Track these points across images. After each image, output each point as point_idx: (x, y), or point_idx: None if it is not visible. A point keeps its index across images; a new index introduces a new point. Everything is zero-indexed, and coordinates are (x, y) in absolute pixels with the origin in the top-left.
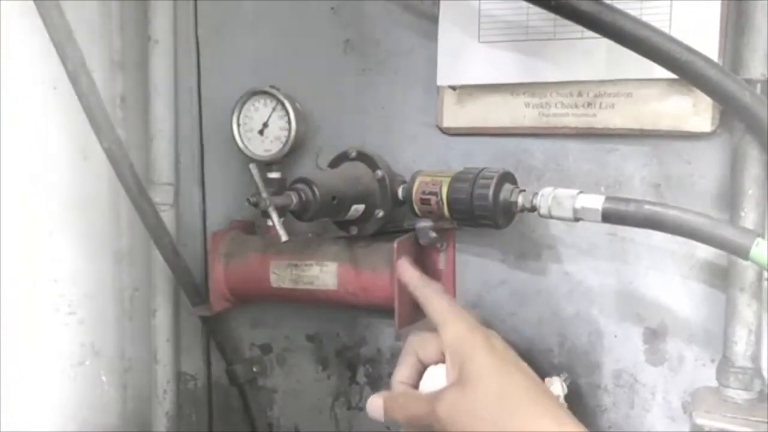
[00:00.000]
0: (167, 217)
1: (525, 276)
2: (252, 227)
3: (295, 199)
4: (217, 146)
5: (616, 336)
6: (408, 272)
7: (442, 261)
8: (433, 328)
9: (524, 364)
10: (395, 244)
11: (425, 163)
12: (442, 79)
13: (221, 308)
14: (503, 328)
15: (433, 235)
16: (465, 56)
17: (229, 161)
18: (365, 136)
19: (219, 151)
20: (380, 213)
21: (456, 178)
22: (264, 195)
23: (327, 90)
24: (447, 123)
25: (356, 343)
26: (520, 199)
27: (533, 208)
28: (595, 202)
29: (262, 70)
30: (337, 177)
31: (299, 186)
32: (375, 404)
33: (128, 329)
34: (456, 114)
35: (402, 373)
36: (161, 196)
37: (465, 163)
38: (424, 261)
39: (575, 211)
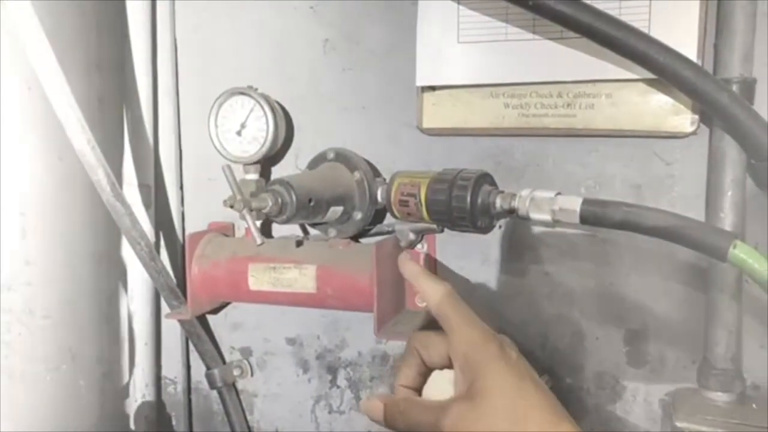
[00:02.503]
0: (145, 219)
1: (506, 277)
2: (231, 229)
3: (270, 201)
4: (196, 147)
5: (597, 338)
6: (408, 266)
7: (422, 263)
8: (419, 327)
9: (537, 377)
10: (374, 247)
11: (406, 164)
12: (422, 80)
13: (199, 312)
14: None
15: (413, 237)
16: (444, 56)
17: (207, 162)
18: (346, 137)
19: (198, 152)
20: (359, 215)
21: (434, 180)
22: (239, 197)
23: (307, 90)
24: (427, 123)
25: (337, 346)
26: (499, 201)
27: (512, 210)
28: (573, 203)
29: (242, 70)
30: (314, 178)
31: (275, 188)
32: (375, 407)
33: (106, 332)
34: (436, 114)
35: (404, 375)
36: (139, 198)
37: (445, 164)
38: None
39: (553, 212)
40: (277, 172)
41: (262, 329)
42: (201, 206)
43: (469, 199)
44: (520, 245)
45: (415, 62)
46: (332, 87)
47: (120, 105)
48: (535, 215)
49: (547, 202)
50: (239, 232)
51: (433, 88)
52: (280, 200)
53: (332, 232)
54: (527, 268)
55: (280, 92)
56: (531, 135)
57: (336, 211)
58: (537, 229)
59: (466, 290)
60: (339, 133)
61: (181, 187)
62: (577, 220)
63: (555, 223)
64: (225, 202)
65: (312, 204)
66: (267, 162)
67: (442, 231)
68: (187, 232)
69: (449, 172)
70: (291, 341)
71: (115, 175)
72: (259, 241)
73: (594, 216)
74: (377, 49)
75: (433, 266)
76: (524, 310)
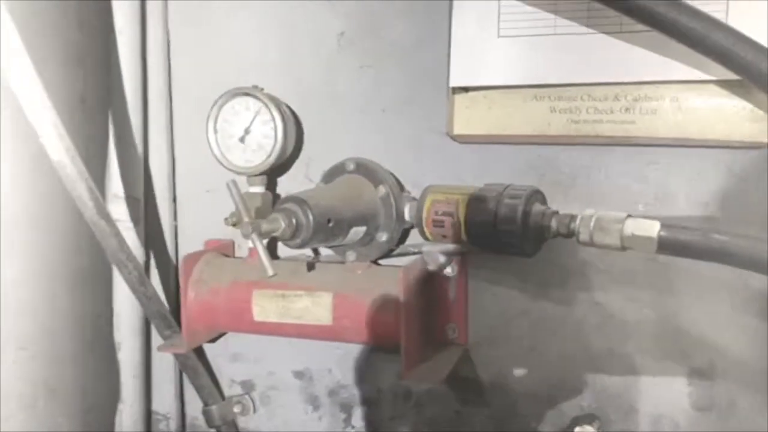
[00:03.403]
0: (133, 236)
1: (549, 306)
2: (231, 248)
3: (283, 222)
4: (191, 155)
5: (655, 376)
6: None
7: (452, 289)
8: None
9: None
10: (401, 272)
11: (433, 176)
12: (456, 79)
13: (195, 344)
14: (523, 366)
15: (443, 260)
16: (482, 53)
17: (204, 172)
18: (363, 144)
19: (193, 160)
20: (384, 236)
21: (476, 197)
22: (246, 219)
23: (318, 90)
24: (459, 130)
25: (352, 381)
26: (554, 223)
27: (570, 234)
28: (649, 229)
29: (244, 68)
30: (333, 195)
31: (288, 206)
32: None
33: (89, 364)
34: (469, 119)
35: None
36: (126, 212)
37: (479, 177)
38: (431, 289)
39: (624, 239)
40: (285, 183)
41: (267, 360)
42: (196, 221)
43: (519, 220)
44: (566, 269)
45: (444, 58)
46: (348, 87)
47: (105, 107)
48: (600, 240)
49: (615, 225)
50: (240, 252)
51: (466, 89)
52: (294, 221)
53: (351, 255)
54: (573, 295)
55: (287, 93)
56: (581, 144)
57: (358, 231)
58: (585, 251)
59: (500, 321)
60: (355, 140)
61: (174, 200)
62: (653, 249)
63: (623, 250)
64: (227, 220)
65: (331, 225)
66: (273, 172)
67: (475, 252)
68: (181, 251)
69: (493, 188)
70: (299, 375)
71: (98, 186)
72: (270, 272)
73: (676, 244)
74: (401, 44)
75: (463, 293)
76: (569, 344)
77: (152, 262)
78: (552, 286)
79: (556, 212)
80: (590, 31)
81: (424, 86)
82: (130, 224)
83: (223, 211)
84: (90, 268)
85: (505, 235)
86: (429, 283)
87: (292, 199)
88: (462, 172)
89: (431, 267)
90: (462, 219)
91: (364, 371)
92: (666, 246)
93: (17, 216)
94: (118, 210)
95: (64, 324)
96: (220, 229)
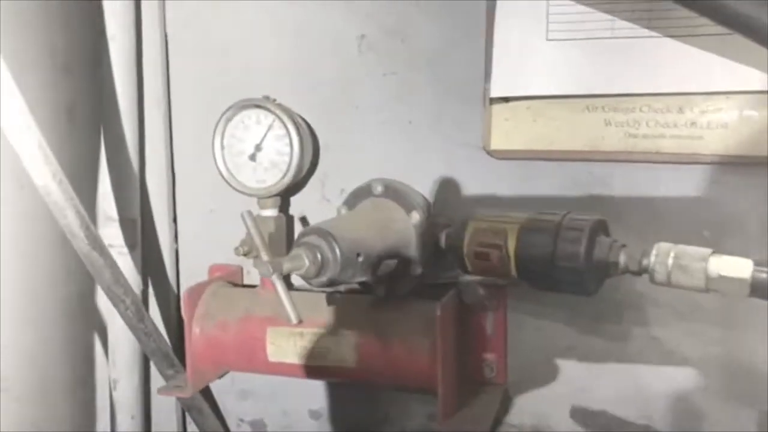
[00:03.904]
0: (128, 262)
1: (599, 342)
2: (239, 274)
3: (307, 259)
4: (193, 171)
5: (720, 421)
6: None
7: (489, 323)
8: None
9: None
10: (438, 308)
11: (466, 198)
12: (498, 89)
13: (201, 386)
14: (571, 408)
15: (482, 292)
16: (528, 58)
17: (207, 190)
18: (386, 161)
19: (195, 176)
20: (418, 270)
21: (529, 227)
22: (266, 257)
23: (336, 100)
24: (496, 144)
25: (376, 422)
26: (623, 259)
27: (642, 271)
28: (740, 268)
29: (252, 76)
30: (360, 224)
31: (312, 240)
32: None
33: (80, 403)
34: (509, 133)
35: None
36: (120, 236)
37: (519, 198)
38: (465, 322)
39: (709, 280)
40: (298, 203)
41: (279, 399)
42: (199, 244)
43: (582, 256)
44: (620, 302)
45: (479, 64)
46: (369, 96)
47: (95, 118)
48: (680, 281)
49: (698, 264)
50: (250, 278)
51: (506, 100)
52: (319, 257)
53: (381, 290)
54: (628, 330)
55: (301, 103)
56: (638, 161)
57: (389, 265)
58: (642, 283)
59: (544, 358)
60: (377, 156)
61: (175, 221)
62: (745, 292)
63: (707, 292)
64: (237, 249)
65: (361, 260)
66: (285, 192)
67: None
68: (182, 277)
69: (548, 217)
70: (315, 414)
71: (89, 207)
72: (294, 320)
73: None
74: (429, 48)
75: (502, 327)
76: (623, 384)
77: (150, 290)
78: (603, 319)
79: (624, 246)
80: (653, 34)
81: (456, 95)
82: (126, 249)
83: (228, 232)
84: (79, 296)
85: (565, 272)
86: (463, 315)
87: (315, 231)
88: (500, 192)
89: (468, 300)
90: (512, 252)
91: (389, 411)
92: (761, 289)
93: (3, 240)
94: (112, 233)
95: (52, 359)
96: (225, 253)
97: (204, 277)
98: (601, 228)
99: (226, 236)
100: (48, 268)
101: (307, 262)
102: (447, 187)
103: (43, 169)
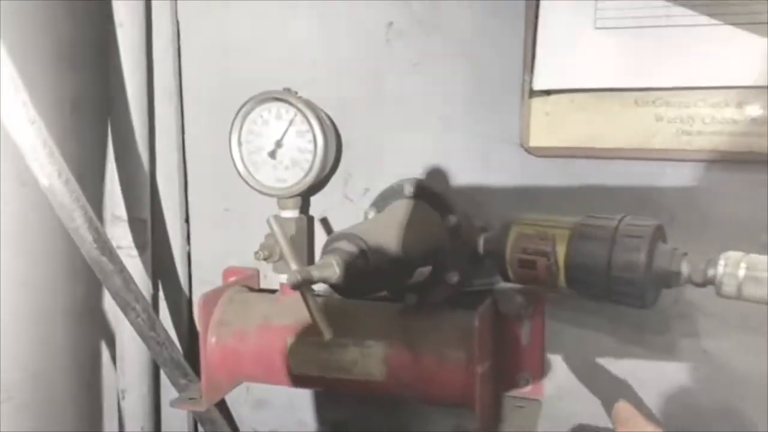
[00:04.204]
0: (138, 264)
1: (644, 353)
2: (256, 278)
3: (338, 269)
4: (207, 167)
5: None
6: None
7: (525, 331)
8: None
9: None
10: (476, 320)
11: (502, 199)
12: (542, 81)
13: (217, 399)
14: (610, 425)
15: (520, 300)
16: (575, 48)
17: (222, 187)
18: (415, 159)
19: (209, 173)
20: (454, 277)
21: (581, 233)
22: (294, 265)
23: (361, 92)
24: (536, 141)
25: None
26: (685, 268)
27: (707, 282)
28: None
29: (270, 66)
30: (392, 228)
31: (340, 246)
32: None
33: (86, 413)
34: (550, 128)
35: None
36: (130, 237)
37: (560, 199)
38: (499, 332)
39: None
40: (319, 203)
41: (297, 409)
42: (213, 245)
43: (642, 266)
44: (667, 311)
45: (518, 53)
46: (397, 89)
47: (102, 111)
48: (753, 293)
49: None
50: (267, 282)
51: (547, 92)
52: (350, 264)
53: (412, 298)
54: (676, 342)
55: (324, 96)
56: (693, 160)
57: (422, 272)
58: (692, 292)
59: (584, 370)
60: (406, 153)
61: (187, 221)
62: None
63: None
64: (257, 254)
65: (394, 268)
66: (306, 191)
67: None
68: (194, 280)
69: (602, 222)
70: (336, 424)
71: (97, 207)
72: (328, 336)
73: None
74: (463, 37)
75: (539, 337)
76: (670, 399)
77: (161, 293)
78: (648, 329)
79: (685, 254)
80: (712, 21)
81: (491, 87)
82: (135, 251)
83: (244, 233)
84: (85, 300)
85: (623, 283)
86: (497, 324)
87: (345, 236)
88: (539, 193)
89: (504, 310)
90: (561, 261)
91: (410, 423)
92: None
93: (4, 240)
94: (120, 234)
95: (57, 367)
96: (240, 255)
97: (217, 280)
98: (660, 234)
99: (241, 237)
100: (51, 269)
101: (338, 271)
102: (481, 187)
103: (48, 167)
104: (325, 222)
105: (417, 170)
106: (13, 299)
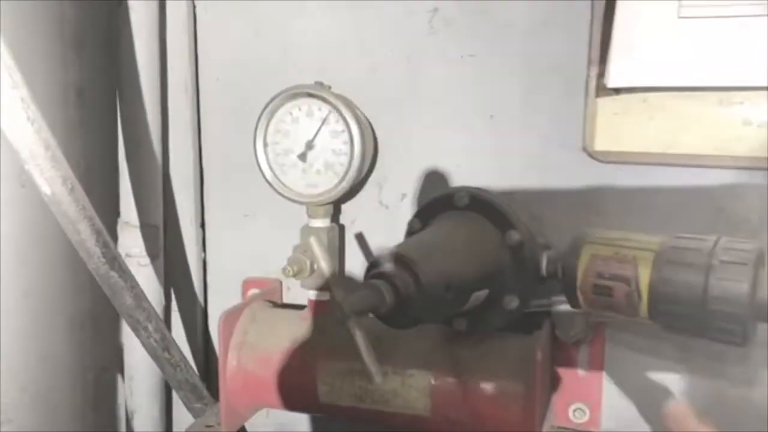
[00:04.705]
0: (150, 274)
1: (719, 385)
2: (278, 291)
3: (387, 296)
4: (225, 167)
5: None
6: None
7: (582, 359)
8: None
9: None
10: (537, 351)
11: (563, 210)
12: (616, 77)
13: (236, 427)
14: None
15: (581, 326)
16: (655, 41)
17: (241, 192)
18: (462, 163)
19: (227, 175)
20: (514, 302)
21: (669, 257)
22: (339, 294)
23: (400, 88)
24: (603, 145)
25: None
26: None
27: None
28: None
29: (298, 57)
30: (446, 247)
31: (390, 270)
32: None
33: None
34: (619, 131)
35: None
36: (141, 244)
37: (628, 210)
38: (554, 359)
39: None
40: (351, 210)
41: None
42: (230, 253)
43: (746, 298)
44: None
45: (581, 45)
46: (441, 84)
47: (110, 102)
48: None
49: None
50: (290, 295)
51: (616, 91)
52: (402, 291)
53: (461, 324)
54: (754, 373)
55: (358, 91)
56: None
57: (479, 297)
58: None
59: (647, 402)
60: (449, 157)
61: (202, 226)
62: None
63: None
64: (286, 270)
65: (450, 294)
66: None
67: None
68: (210, 291)
69: (695, 245)
70: None
71: (104, 211)
72: (378, 379)
73: None
74: (518, 25)
75: (598, 365)
76: None
77: (173, 304)
78: (722, 358)
79: None
80: None
81: (550, 84)
82: (146, 259)
83: (265, 241)
84: (90, 312)
85: (721, 317)
86: (550, 350)
87: (394, 257)
88: (605, 203)
89: (562, 336)
90: (645, 288)
91: None
92: None
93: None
94: (130, 241)
95: (60, 384)
96: (261, 264)
97: (234, 291)
98: (762, 260)
99: (262, 245)
100: (54, 277)
101: (387, 299)
102: (539, 196)
103: (51, 174)
104: (360, 238)
105: (463, 176)
106: (12, 312)
